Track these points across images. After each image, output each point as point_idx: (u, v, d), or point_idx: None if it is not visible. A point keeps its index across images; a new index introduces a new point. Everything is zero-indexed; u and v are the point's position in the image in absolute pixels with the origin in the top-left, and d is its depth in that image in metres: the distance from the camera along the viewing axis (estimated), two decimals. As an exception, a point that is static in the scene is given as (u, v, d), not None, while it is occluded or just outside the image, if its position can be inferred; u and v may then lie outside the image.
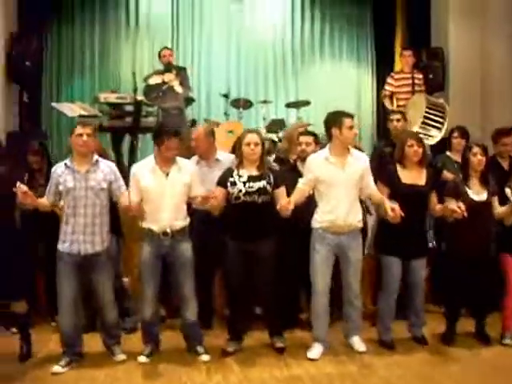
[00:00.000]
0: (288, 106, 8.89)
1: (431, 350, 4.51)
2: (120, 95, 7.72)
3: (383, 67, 10.06)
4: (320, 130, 5.16)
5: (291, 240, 4.49)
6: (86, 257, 4.03)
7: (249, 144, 4.24)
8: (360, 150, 5.07)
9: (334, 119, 4.31)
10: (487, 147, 4.61)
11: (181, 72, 7.51)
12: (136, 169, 4.27)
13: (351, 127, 4.24)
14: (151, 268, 4.16)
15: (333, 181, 4.21)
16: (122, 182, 4.20)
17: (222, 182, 4.28)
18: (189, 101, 8.07)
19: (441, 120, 6.20)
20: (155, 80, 7.33)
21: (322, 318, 4.36)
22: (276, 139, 8.01)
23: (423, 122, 6.13)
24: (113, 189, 4.13)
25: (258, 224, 4.21)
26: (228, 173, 4.31)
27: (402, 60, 7.25)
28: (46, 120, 9.08)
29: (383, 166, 4.92)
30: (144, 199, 4.14)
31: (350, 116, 4.33)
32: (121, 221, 4.75)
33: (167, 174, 4.16)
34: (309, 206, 4.34)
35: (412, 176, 4.48)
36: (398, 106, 7.01)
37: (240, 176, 4.24)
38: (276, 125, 8.13)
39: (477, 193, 4.48)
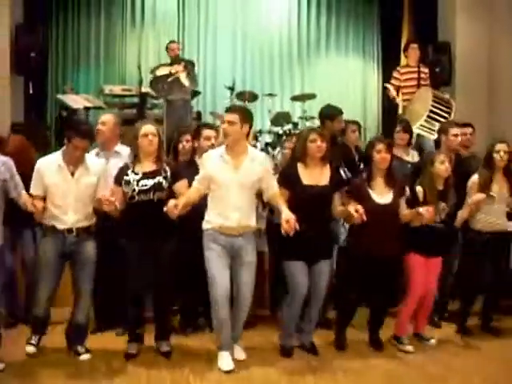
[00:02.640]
0: (293, 99, 8.87)
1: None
2: (125, 87, 7.74)
3: (389, 62, 9.99)
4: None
5: (191, 240, 4.14)
6: None
7: (146, 135, 3.97)
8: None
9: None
10: (392, 143, 4.33)
11: (188, 65, 7.52)
12: (41, 164, 4.00)
13: (222, 121, 3.96)
14: (51, 266, 3.99)
15: (225, 181, 3.89)
16: (18, 178, 3.96)
17: (118, 180, 4.01)
18: (195, 93, 8.07)
19: (446, 115, 6.15)
20: (162, 71, 7.35)
21: (227, 325, 3.99)
22: (281, 132, 8.02)
23: (428, 116, 6.08)
24: (8, 187, 3.89)
25: (156, 223, 3.91)
26: (123, 170, 4.04)
27: (410, 53, 7.17)
28: (51, 112, 9.09)
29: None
30: (48, 197, 3.98)
31: (229, 110, 4.02)
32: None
33: (73, 174, 3.96)
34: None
35: (314, 175, 4.12)
36: (403, 100, 6.98)
37: (136, 173, 3.97)
38: (281, 118, 8.13)
39: (381, 194, 4.18)
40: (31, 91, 7.72)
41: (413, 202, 4.26)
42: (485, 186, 4.47)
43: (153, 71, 7.63)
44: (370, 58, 10.66)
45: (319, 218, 4.09)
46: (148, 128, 4.01)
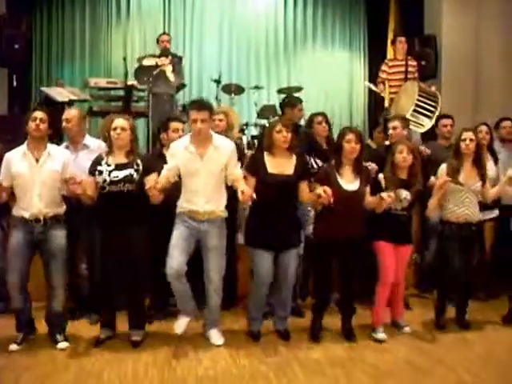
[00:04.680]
0: (280, 91, 8.84)
1: (418, 337, 4.52)
2: (110, 80, 7.68)
3: (375, 54, 10.07)
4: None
5: (163, 227, 4.30)
6: None
7: (115, 129, 4.10)
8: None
9: (187, 111, 4.16)
10: (362, 133, 4.39)
11: (175, 59, 7.48)
12: (8, 155, 4.15)
13: (194, 121, 4.00)
14: (20, 255, 4.05)
15: (191, 170, 4.08)
16: None
17: (92, 170, 4.15)
18: (180, 86, 8.03)
19: (432, 109, 6.16)
20: (149, 62, 7.30)
21: (182, 293, 4.18)
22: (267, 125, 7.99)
23: (414, 110, 6.09)
24: None
25: (126, 214, 4.07)
26: (97, 161, 4.18)
27: (397, 46, 7.20)
28: (35, 100, 8.97)
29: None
30: (15, 185, 4.08)
31: (197, 107, 4.04)
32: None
33: (37, 160, 4.07)
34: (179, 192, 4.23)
35: (279, 165, 4.24)
36: (390, 92, 6.99)
37: (108, 165, 4.11)
38: (267, 111, 8.09)
39: (348, 181, 4.29)
40: (15, 84, 7.64)
41: (375, 189, 4.36)
42: (452, 175, 4.50)
43: (139, 60, 7.62)
44: (356, 51, 10.65)
45: (284, 207, 4.23)
46: (117, 122, 4.14)
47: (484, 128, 5.39)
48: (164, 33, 8.02)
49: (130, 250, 4.11)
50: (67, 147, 4.70)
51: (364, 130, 9.53)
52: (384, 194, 4.19)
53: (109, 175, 4.06)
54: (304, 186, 4.31)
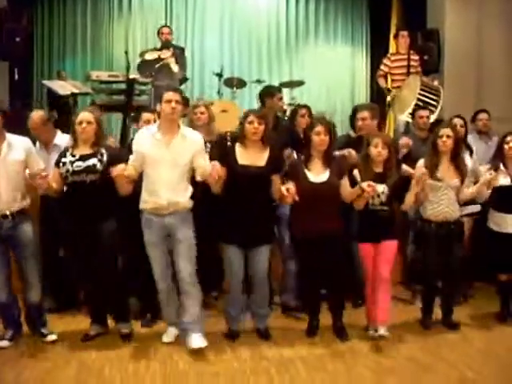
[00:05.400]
0: (282, 85, 8.80)
1: (420, 333, 4.51)
2: (112, 73, 7.66)
3: (378, 49, 10.03)
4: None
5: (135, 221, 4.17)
6: None
7: (81, 123, 4.03)
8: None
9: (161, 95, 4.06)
10: (334, 125, 4.27)
11: (177, 51, 7.47)
12: None
13: (168, 101, 3.91)
14: None
15: (155, 159, 3.95)
16: None
17: (57, 162, 4.10)
18: (183, 79, 8.02)
19: (434, 103, 6.14)
20: (151, 55, 7.29)
21: (168, 303, 4.20)
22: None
23: (417, 104, 6.07)
24: None
25: (90, 206, 4.00)
26: (63, 153, 4.13)
27: (400, 40, 7.18)
28: (37, 98, 8.96)
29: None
30: None
31: (173, 90, 4.05)
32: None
33: None
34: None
35: (251, 156, 4.11)
36: (392, 86, 6.99)
37: (73, 155, 4.05)
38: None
39: (317, 174, 4.19)
40: (16, 77, 7.63)
41: (351, 184, 4.25)
42: (430, 172, 4.38)
43: (141, 54, 7.61)
44: (358, 45, 10.63)
45: (256, 200, 4.07)
46: (82, 116, 4.09)
47: (458, 121, 5.22)
48: (165, 25, 8.01)
49: (97, 243, 4.05)
50: (41, 148, 4.69)
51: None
52: (364, 184, 4.04)
53: (71, 165, 4.01)
54: (276, 179, 4.16)
